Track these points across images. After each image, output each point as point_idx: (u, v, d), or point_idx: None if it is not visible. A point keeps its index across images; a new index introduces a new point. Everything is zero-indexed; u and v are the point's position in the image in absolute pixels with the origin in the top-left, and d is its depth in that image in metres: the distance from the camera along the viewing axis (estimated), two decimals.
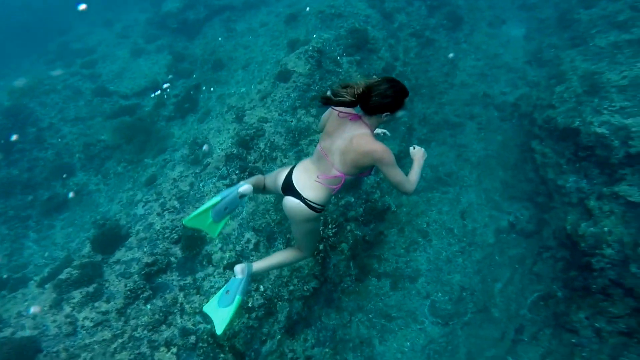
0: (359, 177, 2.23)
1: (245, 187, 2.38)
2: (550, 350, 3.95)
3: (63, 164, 7.03)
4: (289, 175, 2.27)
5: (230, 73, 8.01)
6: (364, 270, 5.36)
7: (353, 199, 5.36)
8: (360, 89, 1.87)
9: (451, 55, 7.50)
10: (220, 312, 2.26)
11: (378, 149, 1.93)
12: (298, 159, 5.37)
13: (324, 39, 6.68)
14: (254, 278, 2.51)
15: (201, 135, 6.06)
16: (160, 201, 5.29)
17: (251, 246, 4.74)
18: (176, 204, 5.16)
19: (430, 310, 4.94)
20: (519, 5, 8.86)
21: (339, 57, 6.48)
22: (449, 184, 6.00)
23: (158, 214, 5.12)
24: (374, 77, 1.99)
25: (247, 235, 4.83)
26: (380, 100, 1.90)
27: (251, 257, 4.65)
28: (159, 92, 8.01)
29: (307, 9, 8.13)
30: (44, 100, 8.04)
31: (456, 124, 6.70)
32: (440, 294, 4.98)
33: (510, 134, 6.38)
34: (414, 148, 2.34)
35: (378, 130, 2.40)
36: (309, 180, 2.17)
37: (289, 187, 2.23)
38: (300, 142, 5.46)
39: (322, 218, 2.29)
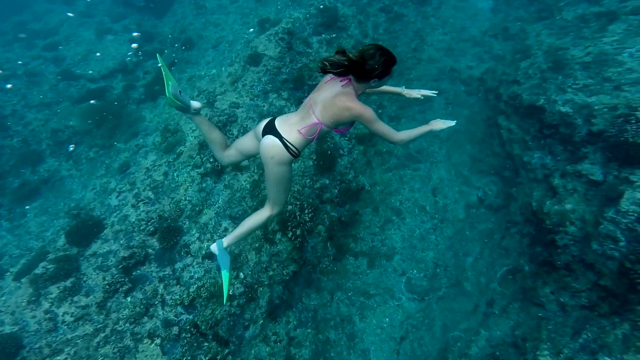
0: (336, 131, 2.23)
1: (195, 104, 2.44)
2: (519, 323, 3.85)
3: (31, 151, 6.14)
4: (272, 121, 2.25)
5: (201, 53, 7.05)
6: (341, 250, 5.06)
7: (328, 181, 4.91)
8: (354, 56, 1.89)
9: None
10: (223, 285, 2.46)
11: (357, 106, 1.98)
12: None
13: (294, 18, 5.85)
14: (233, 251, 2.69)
15: (172, 121, 5.31)
16: (134, 192, 4.67)
17: (228, 234, 4.29)
18: (150, 194, 4.56)
19: (406, 286, 4.75)
20: None
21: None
22: (419, 161, 5.63)
23: (133, 205, 4.53)
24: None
25: (224, 223, 4.35)
26: (371, 67, 1.93)
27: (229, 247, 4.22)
28: (130, 53, 6.99)
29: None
30: (4, 86, 6.87)
31: (425, 100, 6.18)
32: (415, 271, 4.78)
33: (476, 108, 5.98)
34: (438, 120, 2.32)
35: (415, 94, 2.50)
36: (290, 127, 2.18)
37: (270, 130, 2.21)
38: None
39: (293, 166, 2.48)
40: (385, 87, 2.40)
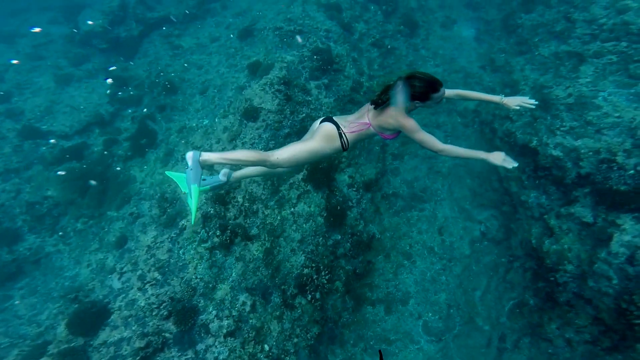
0: (382, 136, 2.71)
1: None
2: (531, 358, 4.39)
3: (3, 230, 5.99)
4: (329, 117, 2.79)
5: (187, 98, 7.21)
6: (359, 300, 5.44)
7: (340, 236, 5.30)
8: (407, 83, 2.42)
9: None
10: (191, 203, 2.56)
11: (400, 117, 2.51)
12: (280, 206, 5.10)
13: (288, 62, 6.22)
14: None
15: (169, 188, 5.46)
16: (138, 273, 4.78)
17: (248, 308, 4.54)
18: (157, 275, 4.69)
19: (424, 329, 5.20)
20: (465, 3, 8.94)
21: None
22: (424, 200, 6.15)
23: (139, 289, 4.64)
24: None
25: (242, 297, 4.59)
26: (418, 90, 2.44)
27: (250, 320, 4.46)
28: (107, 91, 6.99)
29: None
30: None
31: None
32: (430, 314, 5.25)
33: (473, 140, 6.62)
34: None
35: (513, 104, 2.65)
36: (347, 123, 2.75)
37: (329, 121, 2.74)
38: (281, 189, 5.18)
39: (334, 153, 2.75)
40: (481, 95, 2.85)
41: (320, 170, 5.50)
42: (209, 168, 2.69)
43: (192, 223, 2.74)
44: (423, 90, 2.44)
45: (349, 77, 6.51)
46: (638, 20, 5.47)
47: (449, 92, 2.73)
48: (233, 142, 5.69)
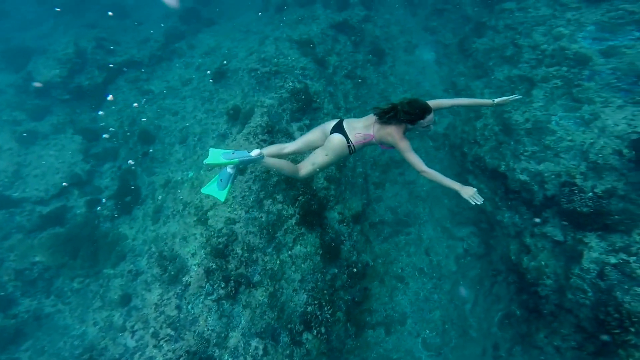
0: (381, 146, 3.44)
1: (255, 152, 3.42)
2: None
3: None
4: (340, 122, 3.50)
5: (166, 148, 7.63)
6: (360, 326, 6.14)
7: (336, 270, 5.99)
8: (386, 108, 3.15)
9: None
10: (218, 192, 3.56)
11: (397, 136, 3.18)
12: (278, 251, 5.70)
13: (268, 106, 6.86)
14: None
15: (165, 246, 5.90)
16: (150, 330, 5.19)
17: (260, 352, 5.09)
18: (170, 331, 5.14)
19: (423, 346, 5.99)
20: (423, 27, 10.07)
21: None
22: (409, 224, 7.00)
23: (155, 346, 5.06)
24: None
25: (253, 342, 5.13)
26: (403, 117, 3.13)
27: None
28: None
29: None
30: None
31: (401, 160, 7.66)
32: (427, 331, 6.05)
33: (446, 162, 7.59)
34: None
35: (504, 101, 3.46)
36: (354, 131, 3.39)
37: (338, 129, 3.45)
38: (277, 235, 5.78)
39: (344, 159, 3.76)
40: (475, 101, 3.65)
41: (311, 213, 6.17)
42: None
43: (206, 161, 3.45)
44: (412, 116, 3.09)
45: (328, 113, 7.27)
46: (572, 45, 6.57)
47: (445, 102, 3.40)
48: None
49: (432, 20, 10.15)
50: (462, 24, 9.42)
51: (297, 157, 5.69)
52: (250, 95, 7.49)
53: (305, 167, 3.58)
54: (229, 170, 3.50)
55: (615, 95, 5.51)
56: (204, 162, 3.43)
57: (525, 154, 5.82)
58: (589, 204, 4.80)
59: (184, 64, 9.25)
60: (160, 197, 6.95)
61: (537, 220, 5.44)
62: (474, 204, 3.00)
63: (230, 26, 10.64)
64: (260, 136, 6.35)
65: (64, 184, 7.30)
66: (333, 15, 9.63)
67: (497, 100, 3.41)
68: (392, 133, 3.18)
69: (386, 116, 3.16)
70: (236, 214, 5.86)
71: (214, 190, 3.64)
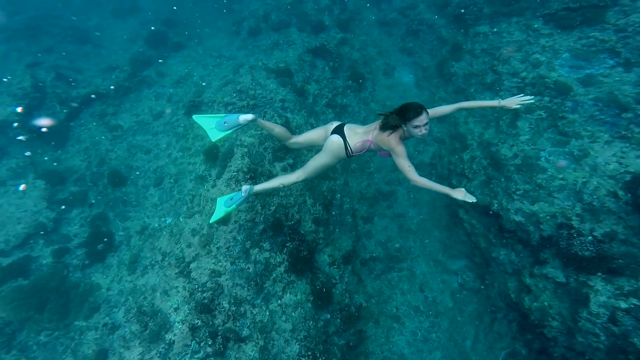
0: (380, 153, 3.57)
1: (245, 117, 3.71)
2: None
3: None
4: (341, 125, 3.69)
5: (139, 190, 7.36)
6: None
7: (329, 315, 5.95)
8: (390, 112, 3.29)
9: None
10: (221, 210, 4.12)
11: (393, 142, 3.27)
12: (267, 302, 5.60)
13: (248, 146, 6.77)
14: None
15: (145, 300, 5.67)
16: None
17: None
18: None
19: None
20: (399, 48, 10.33)
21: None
22: (400, 260, 7.08)
23: None
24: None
25: None
26: (392, 120, 3.23)
27: None
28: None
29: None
30: None
31: (389, 192, 7.79)
32: None
33: (434, 193, 7.75)
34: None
35: (512, 104, 3.39)
36: (354, 135, 3.58)
37: (339, 132, 3.64)
38: (265, 285, 5.68)
39: (339, 163, 3.99)
40: (480, 103, 3.80)
41: (301, 260, 6.10)
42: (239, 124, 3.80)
43: (211, 221, 4.31)
44: (402, 116, 3.16)
45: (312, 149, 7.28)
46: (551, 73, 6.72)
47: (446, 108, 3.48)
48: (207, 247, 6.05)
49: (408, 41, 10.41)
50: (438, 46, 9.71)
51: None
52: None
53: (304, 173, 3.89)
54: (240, 120, 3.76)
55: (600, 128, 5.64)
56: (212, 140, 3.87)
57: (518, 192, 5.80)
58: (590, 248, 4.79)
59: (154, 94, 9.00)
60: (136, 245, 6.69)
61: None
62: (470, 202, 3.10)
63: (201, 51, 10.50)
64: (242, 183, 6.25)
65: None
66: (309, 39, 9.70)
67: (503, 101, 3.39)
68: (389, 138, 3.29)
69: (384, 120, 3.32)
70: (221, 266, 5.72)
71: (210, 125, 3.88)
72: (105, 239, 6.87)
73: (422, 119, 3.09)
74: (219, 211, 4.19)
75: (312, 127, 7.71)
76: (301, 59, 9.03)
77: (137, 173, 7.54)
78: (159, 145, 7.77)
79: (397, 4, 11.12)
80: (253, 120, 3.74)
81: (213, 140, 3.86)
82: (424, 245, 7.22)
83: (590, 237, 4.84)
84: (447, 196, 3.17)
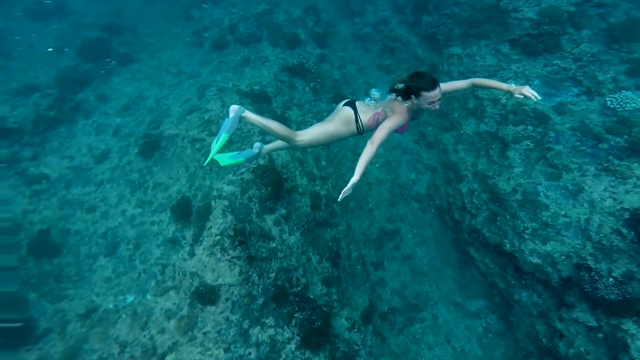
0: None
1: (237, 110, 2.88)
2: None
3: None
4: (352, 102, 3.12)
5: (83, 261, 4.89)
6: None
7: None
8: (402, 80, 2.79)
9: None
10: (213, 146, 2.90)
11: (396, 111, 2.83)
12: None
13: (229, 197, 4.73)
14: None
15: None
16: None
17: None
18: None
19: None
20: (377, 65, 8.87)
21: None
22: (420, 308, 5.72)
23: None
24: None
25: None
26: (408, 86, 2.73)
27: None
28: None
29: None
30: None
31: (392, 231, 6.34)
32: None
33: (436, 227, 6.50)
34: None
35: (522, 91, 2.84)
36: (365, 111, 3.05)
37: (350, 105, 3.10)
38: None
39: (350, 136, 3.10)
40: (494, 83, 2.98)
41: (315, 332, 4.36)
42: (234, 126, 2.86)
43: (205, 163, 3.02)
44: (417, 85, 2.65)
45: (304, 192, 5.44)
46: (528, 101, 5.76)
47: (462, 83, 2.98)
48: (189, 333, 4.03)
49: (385, 58, 9.01)
50: (415, 65, 8.46)
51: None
52: (199, 177, 5.22)
53: (306, 134, 3.04)
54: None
55: (584, 160, 5.13)
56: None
57: (527, 232, 5.04)
58: (615, 291, 4.27)
59: (95, 126, 6.28)
60: (76, 334, 4.31)
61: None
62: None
63: (155, 64, 7.87)
64: (230, 252, 4.23)
65: None
66: (284, 56, 7.72)
67: (513, 87, 2.87)
68: (395, 108, 2.85)
69: (395, 89, 2.81)
70: (212, 356, 3.80)
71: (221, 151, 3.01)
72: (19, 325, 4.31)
73: (436, 94, 2.68)
74: (223, 158, 3.32)
75: (300, 163, 5.85)
76: (278, 79, 7.05)
77: (78, 239, 4.99)
78: (106, 199, 5.29)
79: (370, 18, 9.62)
80: (240, 115, 2.88)
81: (222, 164, 3.26)
82: (439, 288, 5.92)
83: (611, 279, 4.31)
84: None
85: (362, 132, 3.05)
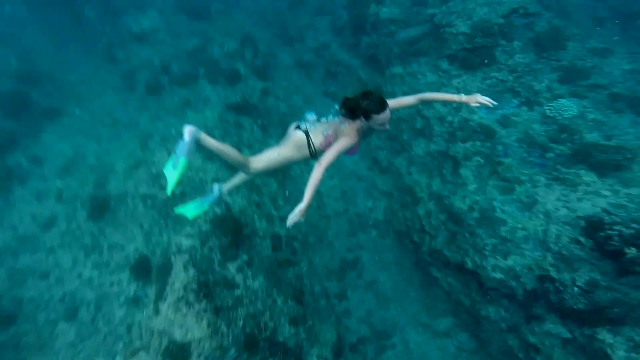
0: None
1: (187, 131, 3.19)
2: None
3: None
4: (304, 129, 3.58)
5: (42, 328, 5.88)
6: None
7: None
8: (350, 100, 3.23)
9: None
10: (171, 173, 3.21)
11: (345, 133, 3.35)
12: None
13: (189, 251, 6.04)
14: (201, 150, 3.37)
15: None
16: None
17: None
18: None
19: None
20: (322, 92, 10.71)
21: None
22: (389, 334, 7.15)
23: None
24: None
25: None
26: (357, 109, 3.21)
27: None
28: None
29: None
30: None
31: (354, 260, 7.90)
32: None
33: (397, 252, 8.14)
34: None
35: (474, 100, 3.49)
36: (317, 134, 3.53)
37: (302, 128, 3.58)
38: None
39: (302, 159, 3.63)
40: (442, 95, 3.69)
41: None
42: (196, 149, 3.25)
43: (169, 192, 3.22)
44: (367, 108, 3.16)
45: (264, 235, 6.88)
46: (473, 116, 7.45)
47: (410, 99, 3.56)
48: None
49: (329, 85, 10.83)
50: (360, 88, 10.30)
51: None
52: (155, 234, 6.49)
53: (259, 161, 3.53)
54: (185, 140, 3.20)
55: (534, 171, 6.34)
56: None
57: (487, 248, 6.19)
58: (583, 300, 5.11)
59: (34, 193, 7.35)
60: None
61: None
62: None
63: (87, 116, 9.05)
64: (196, 305, 5.54)
65: None
66: (226, 93, 9.29)
67: (465, 97, 3.53)
68: (345, 129, 3.35)
69: (343, 109, 3.31)
70: None
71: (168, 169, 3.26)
72: None
73: (387, 115, 3.20)
74: (189, 210, 3.99)
75: (258, 206, 7.37)
76: (223, 120, 8.57)
77: (34, 306, 6.06)
78: (59, 264, 6.38)
79: (310, 43, 11.50)
80: (197, 137, 3.23)
81: (170, 189, 3.22)
82: (405, 311, 7.50)
83: (576, 289, 5.20)
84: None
85: (315, 155, 3.53)
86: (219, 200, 4.16)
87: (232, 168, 3.99)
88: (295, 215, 2.92)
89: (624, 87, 7.13)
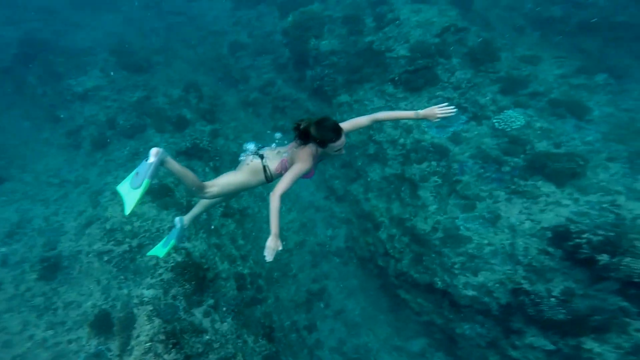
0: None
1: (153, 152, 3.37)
2: None
3: None
4: (260, 154, 3.80)
5: None
6: None
7: None
8: (304, 126, 3.41)
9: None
10: (131, 194, 3.28)
11: (301, 158, 3.49)
12: None
13: (152, 301, 6.35)
14: (164, 170, 3.51)
15: None
16: None
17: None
18: None
19: None
20: (272, 127, 11.58)
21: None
22: None
23: None
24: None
25: None
26: (312, 137, 3.38)
27: None
28: None
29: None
30: None
31: (320, 290, 8.48)
32: None
33: (362, 277, 8.82)
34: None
35: (431, 113, 3.75)
36: (272, 158, 3.75)
37: (258, 154, 3.80)
38: None
39: (259, 185, 3.86)
40: (396, 114, 4.23)
41: None
42: (157, 171, 3.37)
43: (127, 212, 3.27)
44: (323, 138, 3.32)
45: (228, 276, 7.35)
46: (424, 136, 8.05)
47: (364, 120, 3.66)
48: None
49: (278, 119, 11.72)
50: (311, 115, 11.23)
51: None
52: (114, 288, 6.77)
53: (215, 185, 3.73)
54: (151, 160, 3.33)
55: (492, 186, 6.82)
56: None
57: (456, 266, 6.55)
58: (562, 310, 5.35)
59: None
60: None
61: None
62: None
63: (31, 179, 9.23)
64: (165, 356, 5.83)
65: None
66: (175, 140, 9.85)
67: (421, 112, 3.72)
68: (299, 153, 3.52)
69: (297, 136, 3.51)
70: None
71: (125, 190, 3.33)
72: None
73: (342, 141, 3.40)
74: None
75: (218, 248, 7.84)
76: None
77: None
78: (7, 329, 6.42)
79: (254, 82, 12.48)
80: (163, 159, 3.40)
81: (128, 209, 3.27)
82: (377, 335, 8.06)
83: (552, 299, 5.42)
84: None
85: (272, 180, 3.76)
86: (184, 233, 4.48)
87: (189, 193, 4.39)
88: (269, 248, 3.14)
89: (560, 92, 7.85)
